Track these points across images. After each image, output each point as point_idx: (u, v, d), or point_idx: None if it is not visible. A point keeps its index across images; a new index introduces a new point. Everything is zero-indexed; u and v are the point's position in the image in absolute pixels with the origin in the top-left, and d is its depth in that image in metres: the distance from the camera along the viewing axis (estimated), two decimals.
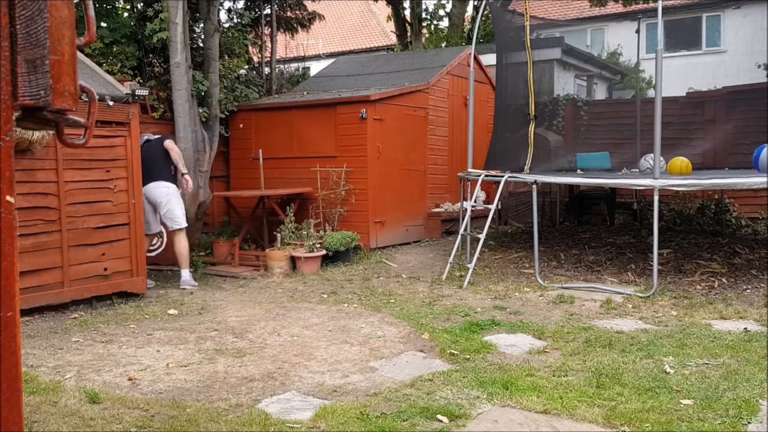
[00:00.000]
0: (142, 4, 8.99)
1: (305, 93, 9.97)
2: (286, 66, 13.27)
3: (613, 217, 10.24)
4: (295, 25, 11.57)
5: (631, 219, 10.34)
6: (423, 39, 15.29)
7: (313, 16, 11.80)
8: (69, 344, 4.54)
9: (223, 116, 9.05)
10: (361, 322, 5.11)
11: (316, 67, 15.72)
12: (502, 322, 4.99)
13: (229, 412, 3.27)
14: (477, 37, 9.23)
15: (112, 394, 3.53)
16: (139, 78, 8.42)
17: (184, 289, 6.53)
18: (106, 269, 5.77)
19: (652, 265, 6.08)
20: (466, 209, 7.50)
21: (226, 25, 9.98)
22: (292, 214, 7.69)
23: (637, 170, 8.92)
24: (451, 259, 7.06)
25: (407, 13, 15.27)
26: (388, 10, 15.74)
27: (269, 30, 10.91)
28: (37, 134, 4.78)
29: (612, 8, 13.88)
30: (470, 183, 7.71)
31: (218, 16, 8.96)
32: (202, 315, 5.45)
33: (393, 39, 18.54)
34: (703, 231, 9.03)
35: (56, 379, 3.77)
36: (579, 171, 9.22)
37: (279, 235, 7.57)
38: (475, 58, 9.33)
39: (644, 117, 10.00)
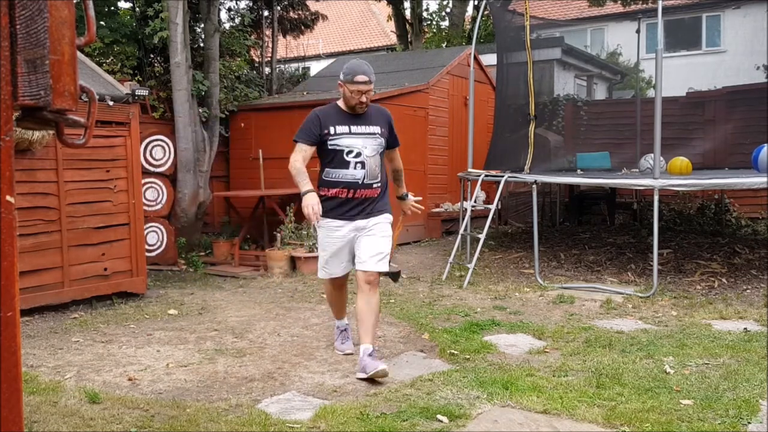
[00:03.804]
0: (142, 4, 8.99)
1: (305, 93, 9.97)
2: (286, 66, 13.27)
3: (613, 217, 10.24)
4: (299, 26, 11.56)
5: (631, 219, 10.34)
6: (423, 39, 15.30)
7: (317, 17, 11.79)
8: (69, 344, 4.54)
9: (223, 116, 9.06)
10: None
11: (316, 67, 15.72)
12: (502, 322, 4.98)
13: (229, 412, 3.27)
14: (477, 37, 9.22)
15: (112, 394, 3.53)
16: (139, 78, 8.42)
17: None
18: (106, 269, 5.78)
19: (652, 265, 6.08)
20: (466, 209, 7.50)
21: (227, 25, 9.99)
22: (292, 214, 7.69)
23: (637, 170, 8.92)
24: (451, 259, 7.06)
25: (408, 13, 15.27)
26: (389, 10, 15.75)
27: (270, 30, 10.91)
28: (37, 134, 4.79)
29: (612, 8, 13.88)
30: (470, 183, 7.71)
31: (219, 16, 8.96)
32: (202, 315, 5.45)
33: (393, 39, 18.54)
34: (703, 231, 9.03)
35: (56, 379, 3.77)
36: (579, 171, 9.21)
37: (279, 235, 7.57)
38: (475, 58, 9.32)
39: (644, 117, 10.00)
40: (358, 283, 3.85)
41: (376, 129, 3.92)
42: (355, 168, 3.84)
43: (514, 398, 3.35)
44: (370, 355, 3.76)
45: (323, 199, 3.84)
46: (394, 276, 4.32)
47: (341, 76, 3.87)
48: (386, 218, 3.95)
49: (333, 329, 4.50)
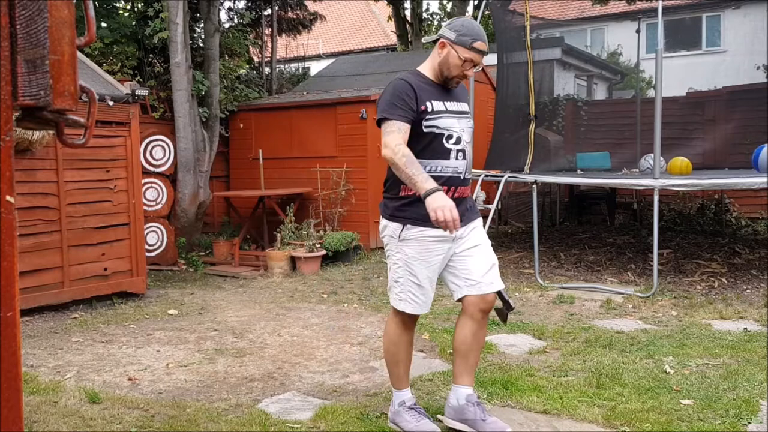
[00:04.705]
0: (142, 4, 8.99)
1: (305, 93, 9.97)
2: (286, 66, 13.28)
3: (613, 217, 10.24)
4: (297, 26, 11.57)
5: (631, 219, 10.35)
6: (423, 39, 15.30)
7: (315, 17, 11.80)
8: (69, 344, 4.54)
9: (223, 116, 9.06)
10: (361, 322, 5.11)
11: (316, 67, 15.73)
12: (502, 322, 4.98)
13: (229, 412, 3.27)
14: None
15: (112, 394, 3.53)
16: (139, 78, 8.43)
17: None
18: (106, 269, 5.78)
19: (652, 265, 6.08)
20: None
21: (227, 25, 9.99)
22: (292, 214, 7.70)
23: (637, 170, 8.92)
24: None
25: (408, 13, 15.28)
26: (389, 10, 15.74)
27: (270, 30, 10.92)
28: (37, 134, 4.79)
29: (612, 8, 13.88)
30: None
31: (218, 16, 8.96)
32: (202, 315, 5.45)
33: (393, 39, 18.54)
34: (703, 231, 9.04)
35: (56, 379, 3.77)
36: (579, 171, 9.22)
37: (279, 235, 7.57)
38: None
39: (644, 117, 10.00)
40: (469, 311, 2.90)
41: (466, 107, 3.01)
42: (457, 158, 2.88)
43: (514, 398, 3.35)
44: (477, 404, 2.95)
45: (409, 201, 2.85)
46: (503, 313, 3.20)
47: (451, 34, 2.83)
48: (481, 221, 3.06)
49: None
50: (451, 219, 2.52)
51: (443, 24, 2.88)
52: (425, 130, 2.82)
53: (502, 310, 3.14)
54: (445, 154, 2.84)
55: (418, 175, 2.63)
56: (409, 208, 2.84)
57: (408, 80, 2.85)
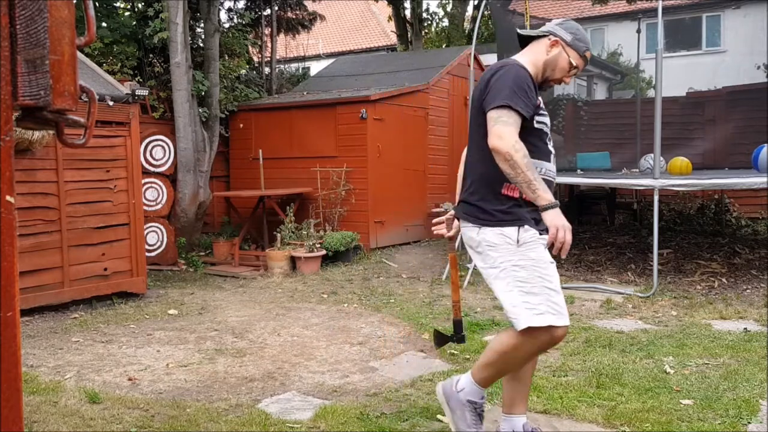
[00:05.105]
0: (142, 4, 8.99)
1: (305, 93, 9.97)
2: (286, 66, 13.28)
3: (613, 217, 10.25)
4: (296, 26, 11.58)
5: (631, 219, 10.35)
6: (423, 39, 15.31)
7: (314, 17, 11.81)
8: (69, 344, 4.54)
9: (223, 116, 9.06)
10: (361, 322, 5.11)
11: (316, 67, 15.73)
12: (502, 322, 4.98)
13: (229, 412, 3.27)
14: (478, 37, 9.22)
15: (112, 394, 3.53)
16: (139, 78, 8.43)
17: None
18: (106, 269, 5.78)
19: (652, 265, 6.08)
20: None
21: (227, 25, 10.00)
22: (292, 214, 7.70)
23: (637, 170, 8.92)
24: None
25: (408, 13, 15.29)
26: (389, 11, 15.75)
27: (269, 30, 10.92)
28: (37, 134, 4.79)
29: (612, 8, 13.88)
30: None
31: (218, 16, 8.97)
32: (202, 315, 5.45)
33: (393, 39, 18.55)
34: (703, 231, 9.04)
35: (56, 379, 3.77)
36: (579, 171, 9.21)
37: (279, 235, 7.57)
38: (475, 58, 9.33)
39: (644, 117, 10.01)
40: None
41: None
42: (552, 162, 2.63)
43: None
44: (533, 430, 2.68)
45: (516, 202, 2.47)
46: (444, 339, 3.06)
47: (566, 35, 2.53)
48: None
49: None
50: (569, 243, 2.30)
51: (552, 23, 2.60)
52: (536, 125, 2.48)
53: (445, 336, 3.02)
54: (547, 155, 2.56)
55: (539, 181, 2.31)
56: (518, 210, 2.46)
57: (527, 68, 2.48)
